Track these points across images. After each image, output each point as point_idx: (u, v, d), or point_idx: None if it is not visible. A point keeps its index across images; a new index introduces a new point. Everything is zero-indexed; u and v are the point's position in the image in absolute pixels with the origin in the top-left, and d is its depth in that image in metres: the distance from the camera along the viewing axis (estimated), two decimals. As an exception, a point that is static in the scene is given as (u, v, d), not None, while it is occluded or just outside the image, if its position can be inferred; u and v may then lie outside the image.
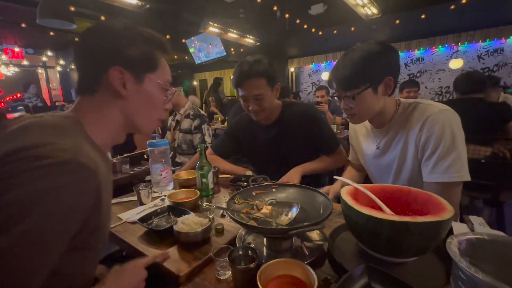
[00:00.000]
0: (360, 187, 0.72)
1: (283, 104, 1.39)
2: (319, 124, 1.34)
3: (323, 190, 1.05)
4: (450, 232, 0.69)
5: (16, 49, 5.87)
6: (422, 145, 0.86)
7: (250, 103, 1.23)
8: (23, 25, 4.30)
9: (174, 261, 0.70)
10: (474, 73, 2.03)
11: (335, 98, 0.96)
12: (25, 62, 6.24)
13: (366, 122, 1.06)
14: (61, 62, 6.56)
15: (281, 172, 1.28)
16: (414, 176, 0.92)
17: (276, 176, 1.25)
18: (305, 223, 0.65)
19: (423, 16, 4.19)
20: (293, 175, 1.24)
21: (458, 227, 0.74)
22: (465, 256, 0.41)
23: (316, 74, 7.37)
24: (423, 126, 0.85)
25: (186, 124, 2.00)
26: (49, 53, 6.44)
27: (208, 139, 1.98)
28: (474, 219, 0.76)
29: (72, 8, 3.22)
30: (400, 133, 0.93)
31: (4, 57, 5.76)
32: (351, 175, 1.25)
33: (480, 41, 5.02)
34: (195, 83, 9.35)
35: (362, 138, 1.12)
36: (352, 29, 4.70)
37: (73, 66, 6.66)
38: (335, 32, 4.93)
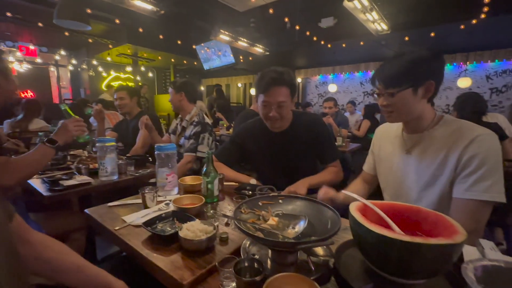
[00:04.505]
0: (369, 203, 0.70)
1: (294, 113, 1.43)
2: (327, 132, 1.44)
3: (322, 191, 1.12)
4: (461, 255, 0.68)
5: (31, 47, 6.02)
6: (465, 161, 0.86)
7: (272, 109, 1.28)
8: (40, 24, 4.43)
9: (178, 268, 0.70)
10: (476, 98, 2.27)
11: (375, 96, 1.01)
12: (38, 60, 6.38)
13: (396, 128, 1.10)
14: (73, 61, 6.69)
15: (285, 181, 1.28)
16: (446, 190, 0.92)
17: (280, 184, 1.25)
18: (313, 238, 0.64)
19: (432, 34, 4.22)
20: (300, 185, 1.24)
21: (468, 250, 0.72)
22: (481, 283, 0.40)
23: (323, 85, 7.42)
24: (471, 143, 0.86)
25: (190, 131, 2.00)
26: (62, 52, 6.58)
27: (203, 148, 1.91)
28: (484, 243, 0.74)
29: (89, 11, 3.31)
30: (441, 145, 0.93)
31: (18, 54, 5.89)
32: (357, 188, 1.24)
33: (489, 61, 5.03)
34: (202, 88, 9.45)
35: (388, 144, 1.13)
36: (361, 43, 4.74)
37: (84, 66, 6.78)
38: (344, 45, 4.97)
